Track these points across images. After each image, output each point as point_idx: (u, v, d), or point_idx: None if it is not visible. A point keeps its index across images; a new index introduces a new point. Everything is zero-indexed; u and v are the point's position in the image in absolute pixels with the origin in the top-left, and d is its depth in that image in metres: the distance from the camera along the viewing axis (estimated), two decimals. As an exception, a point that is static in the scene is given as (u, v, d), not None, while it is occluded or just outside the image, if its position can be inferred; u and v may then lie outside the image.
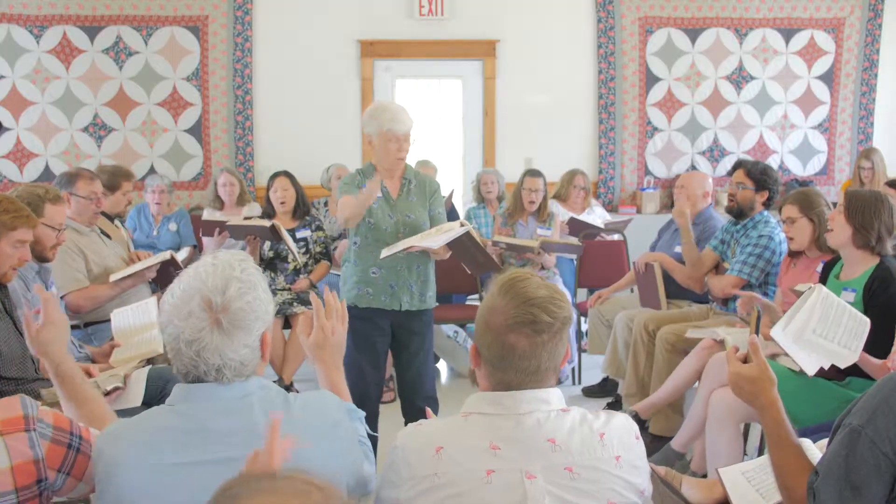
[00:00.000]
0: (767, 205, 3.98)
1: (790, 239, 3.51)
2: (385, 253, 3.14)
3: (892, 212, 2.95)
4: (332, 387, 1.80)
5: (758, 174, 3.93)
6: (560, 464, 1.47)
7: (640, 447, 1.56)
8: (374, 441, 3.32)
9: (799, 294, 2.80)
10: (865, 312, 2.87)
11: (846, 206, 2.97)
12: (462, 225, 3.17)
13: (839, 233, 2.99)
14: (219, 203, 5.61)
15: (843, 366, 2.54)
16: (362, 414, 1.68)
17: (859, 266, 2.98)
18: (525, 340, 1.49)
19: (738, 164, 4.05)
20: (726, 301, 3.97)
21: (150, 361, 2.99)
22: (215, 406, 1.46)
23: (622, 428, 1.55)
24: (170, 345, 1.48)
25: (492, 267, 4.05)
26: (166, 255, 3.67)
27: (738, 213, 3.96)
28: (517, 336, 1.49)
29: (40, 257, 3.01)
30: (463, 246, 3.25)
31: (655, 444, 3.63)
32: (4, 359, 2.56)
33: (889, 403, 1.53)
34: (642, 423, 3.70)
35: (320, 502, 0.91)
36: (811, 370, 2.51)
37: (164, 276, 3.67)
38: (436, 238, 3.13)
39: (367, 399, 3.30)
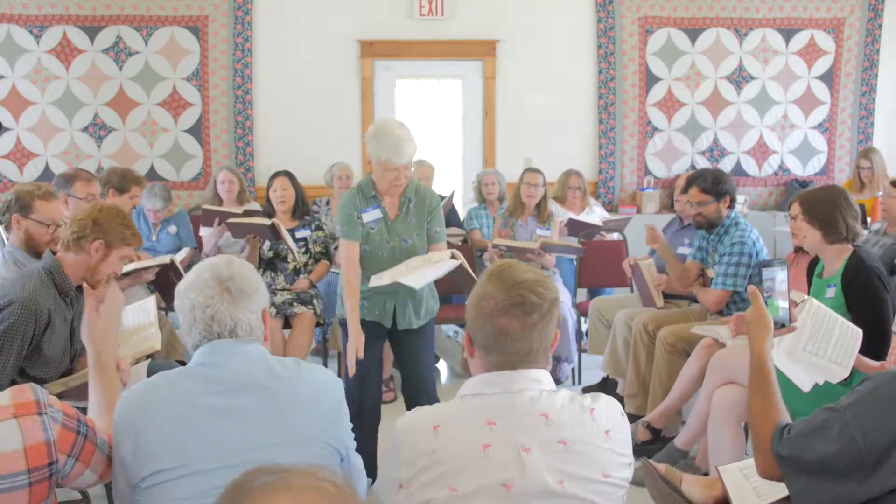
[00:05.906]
0: (731, 206, 3.98)
1: (794, 235, 3.53)
2: (374, 282, 3.12)
3: (848, 200, 3.03)
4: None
5: (710, 186, 3.91)
6: (554, 437, 1.53)
7: (624, 423, 1.64)
8: (374, 445, 3.32)
9: (794, 303, 2.81)
10: (847, 305, 2.90)
11: (803, 211, 3.07)
12: (455, 248, 3.17)
13: (810, 238, 3.07)
14: (217, 201, 5.56)
15: (834, 381, 2.58)
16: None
17: (836, 260, 3.04)
18: (516, 322, 1.55)
19: (689, 183, 4.02)
20: (721, 311, 3.98)
21: (149, 357, 3.00)
22: (238, 358, 1.68)
23: (609, 405, 1.63)
24: (184, 317, 1.70)
25: None
26: (166, 259, 3.68)
27: (710, 226, 3.98)
28: (509, 319, 1.55)
29: (34, 254, 3.01)
30: (454, 274, 3.26)
31: (659, 443, 3.63)
32: (42, 359, 2.64)
33: (875, 394, 1.55)
34: (657, 432, 3.70)
35: (335, 497, 0.90)
36: (806, 387, 2.55)
37: (163, 281, 3.68)
38: (424, 272, 3.11)
39: (365, 402, 3.28)
